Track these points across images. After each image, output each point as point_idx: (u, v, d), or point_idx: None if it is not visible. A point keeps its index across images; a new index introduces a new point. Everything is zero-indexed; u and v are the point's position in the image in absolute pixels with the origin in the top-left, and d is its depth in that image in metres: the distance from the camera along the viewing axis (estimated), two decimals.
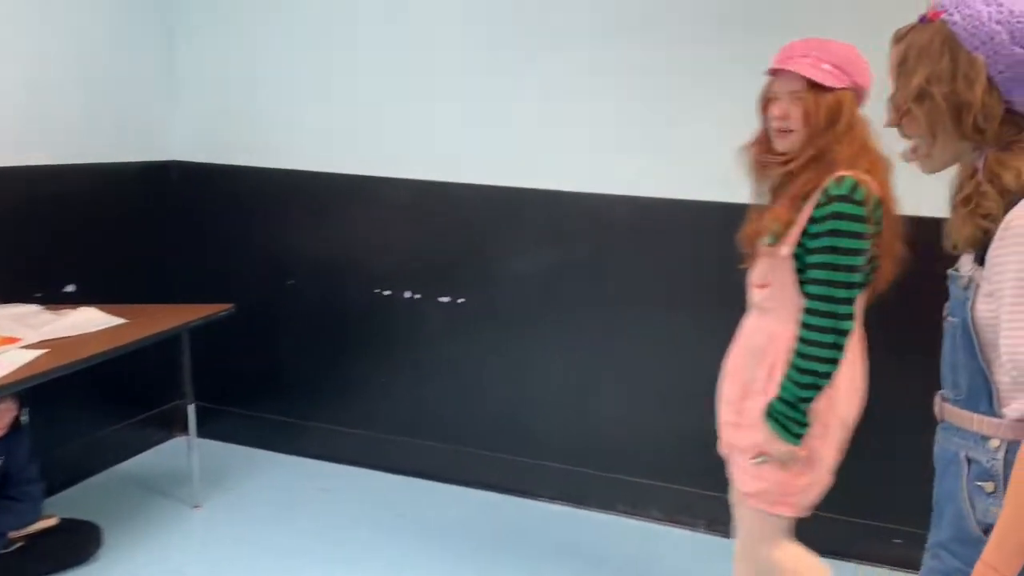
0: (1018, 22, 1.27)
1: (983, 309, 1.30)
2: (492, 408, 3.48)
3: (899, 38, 1.38)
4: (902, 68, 1.36)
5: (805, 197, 1.91)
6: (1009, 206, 1.25)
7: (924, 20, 1.34)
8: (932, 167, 1.39)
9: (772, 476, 1.99)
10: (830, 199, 1.86)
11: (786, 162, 1.96)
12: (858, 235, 1.86)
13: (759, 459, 1.99)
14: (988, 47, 1.28)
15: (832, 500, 2.11)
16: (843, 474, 2.07)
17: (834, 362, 1.89)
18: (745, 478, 2.05)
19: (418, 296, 3.52)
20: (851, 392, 2.03)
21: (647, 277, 3.15)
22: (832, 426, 1.99)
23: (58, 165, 3.26)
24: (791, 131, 1.95)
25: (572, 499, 3.41)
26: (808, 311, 1.90)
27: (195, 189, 3.80)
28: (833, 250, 1.86)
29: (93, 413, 3.53)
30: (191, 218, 3.81)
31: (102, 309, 3.01)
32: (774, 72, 1.98)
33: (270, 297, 3.71)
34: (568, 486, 3.40)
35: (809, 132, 1.92)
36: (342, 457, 3.70)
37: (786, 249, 1.93)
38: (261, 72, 3.62)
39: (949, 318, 1.38)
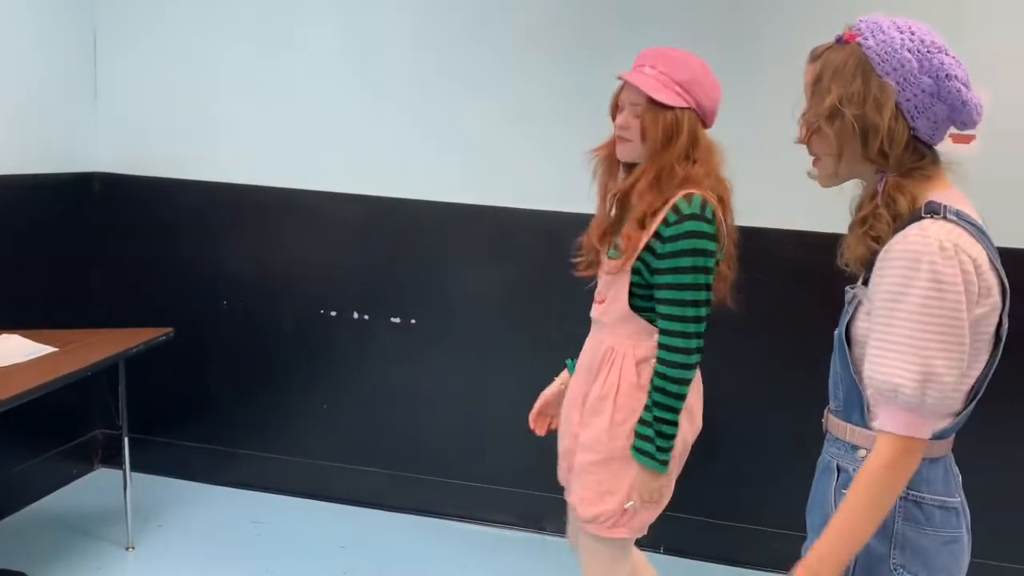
0: (928, 52, 1.32)
1: (861, 326, 1.36)
2: (444, 433, 3.36)
3: (815, 57, 1.42)
4: (816, 87, 1.39)
5: (653, 213, 1.89)
6: (898, 230, 1.30)
7: (840, 41, 1.39)
8: (831, 184, 1.45)
9: (611, 501, 1.94)
10: (682, 217, 1.84)
11: (631, 184, 1.94)
12: (710, 253, 1.86)
13: (630, 504, 1.93)
14: (899, 74, 1.32)
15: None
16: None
17: (689, 382, 1.88)
18: (583, 505, 1.98)
19: (366, 317, 3.37)
20: (696, 410, 2.02)
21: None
22: (683, 445, 1.97)
23: None
24: (630, 141, 1.94)
25: (531, 524, 3.32)
26: (665, 332, 1.88)
27: (120, 203, 3.52)
28: (687, 269, 1.84)
29: (3, 447, 3.21)
30: (115, 234, 3.53)
31: (26, 336, 2.76)
32: (624, 80, 1.96)
33: (202, 319, 3.48)
34: (526, 509, 3.31)
35: (648, 149, 1.91)
36: (280, 487, 3.50)
37: (626, 263, 1.91)
38: (191, 81, 3.39)
39: (835, 331, 1.43)
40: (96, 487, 3.47)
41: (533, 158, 3.14)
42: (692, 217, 1.83)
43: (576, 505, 2.00)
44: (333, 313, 3.38)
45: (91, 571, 2.87)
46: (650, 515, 1.98)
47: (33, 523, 3.17)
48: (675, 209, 1.85)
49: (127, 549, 3.03)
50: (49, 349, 2.69)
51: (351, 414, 3.42)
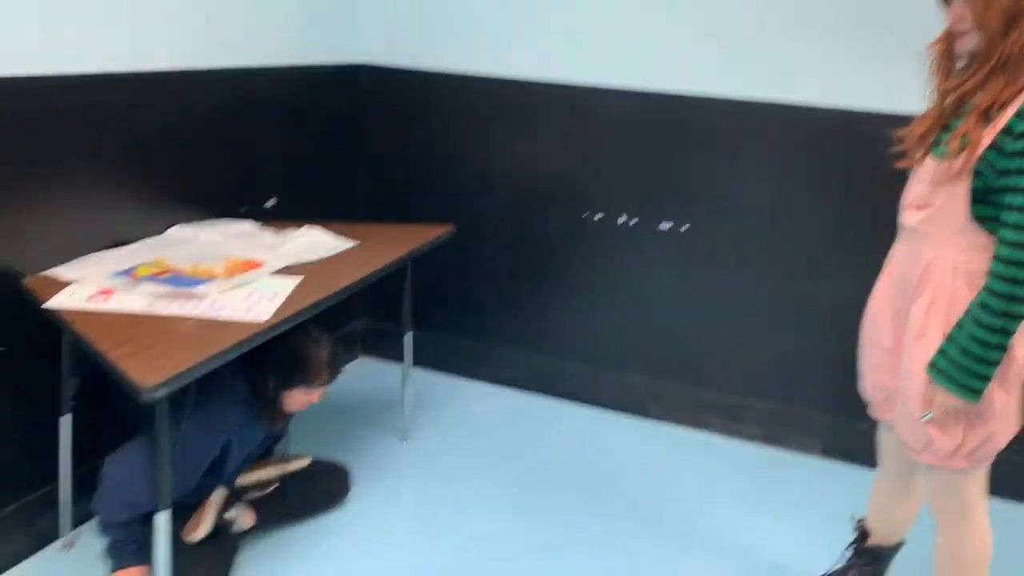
0: None
1: None
2: (709, 345, 3.22)
3: None
4: None
5: (1001, 106, 1.63)
6: None
7: None
8: None
9: (942, 430, 1.76)
10: None
11: (967, 79, 1.72)
12: None
13: (926, 415, 1.76)
14: None
15: None
16: None
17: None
18: (913, 434, 1.82)
19: (635, 221, 3.23)
20: None
21: None
22: (1011, 370, 1.73)
23: (248, 68, 2.93)
24: (965, 33, 1.71)
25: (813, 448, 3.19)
26: (1004, 243, 1.63)
27: (386, 96, 3.49)
28: None
29: None
30: (381, 128, 3.52)
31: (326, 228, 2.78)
32: None
33: (464, 217, 3.43)
34: (808, 432, 3.17)
35: (986, 37, 1.66)
36: (541, 388, 3.49)
37: (962, 164, 1.67)
38: None
39: None
40: (361, 376, 3.55)
41: (838, 53, 2.85)
42: None
43: (902, 431, 1.87)
44: (600, 215, 3.26)
45: (372, 458, 2.94)
46: (986, 447, 1.79)
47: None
48: None
49: (402, 440, 3.10)
50: (350, 243, 2.70)
51: (616, 318, 3.34)
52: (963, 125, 1.70)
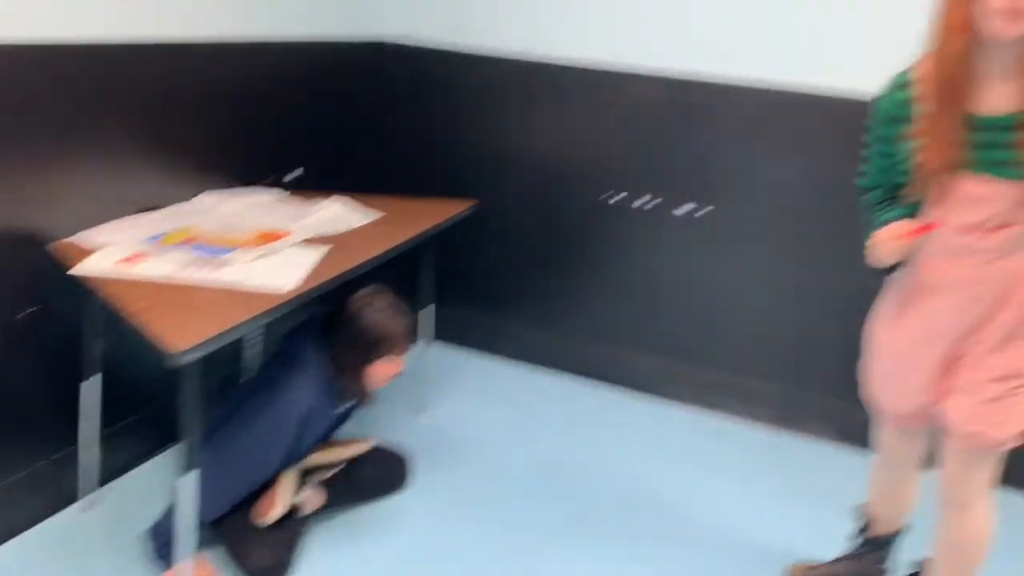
0: None
1: None
2: (719, 327, 3.22)
3: None
4: None
5: None
6: None
7: None
8: None
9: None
10: None
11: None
12: None
13: None
14: None
15: None
16: None
17: None
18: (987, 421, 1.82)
19: (657, 202, 3.22)
20: None
21: None
22: None
23: (275, 41, 2.93)
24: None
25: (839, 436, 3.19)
26: None
27: (411, 72, 3.48)
28: None
29: None
30: (404, 104, 3.51)
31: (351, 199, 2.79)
32: None
33: (484, 195, 3.42)
34: (820, 415, 3.18)
35: None
36: (558, 365, 3.51)
37: None
38: None
39: None
40: None
41: (864, 40, 2.82)
42: None
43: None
44: (617, 198, 3.26)
45: (387, 431, 2.94)
46: None
47: None
48: None
49: (419, 413, 3.12)
50: (375, 214, 2.70)
51: (633, 299, 3.34)
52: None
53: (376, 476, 2.60)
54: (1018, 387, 1.79)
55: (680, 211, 3.17)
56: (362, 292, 2.36)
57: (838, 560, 2.32)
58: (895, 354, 1.98)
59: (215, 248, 2.25)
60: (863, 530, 2.27)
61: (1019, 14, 1.57)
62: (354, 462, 2.51)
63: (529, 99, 3.32)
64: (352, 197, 2.81)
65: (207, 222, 2.44)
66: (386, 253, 2.37)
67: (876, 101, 1.88)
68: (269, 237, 2.38)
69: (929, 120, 1.73)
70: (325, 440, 2.47)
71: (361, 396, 2.38)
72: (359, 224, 2.61)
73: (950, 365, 1.88)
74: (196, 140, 2.67)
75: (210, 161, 2.73)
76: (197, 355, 1.75)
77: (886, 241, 1.78)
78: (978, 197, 1.73)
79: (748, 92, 2.98)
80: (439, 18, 3.39)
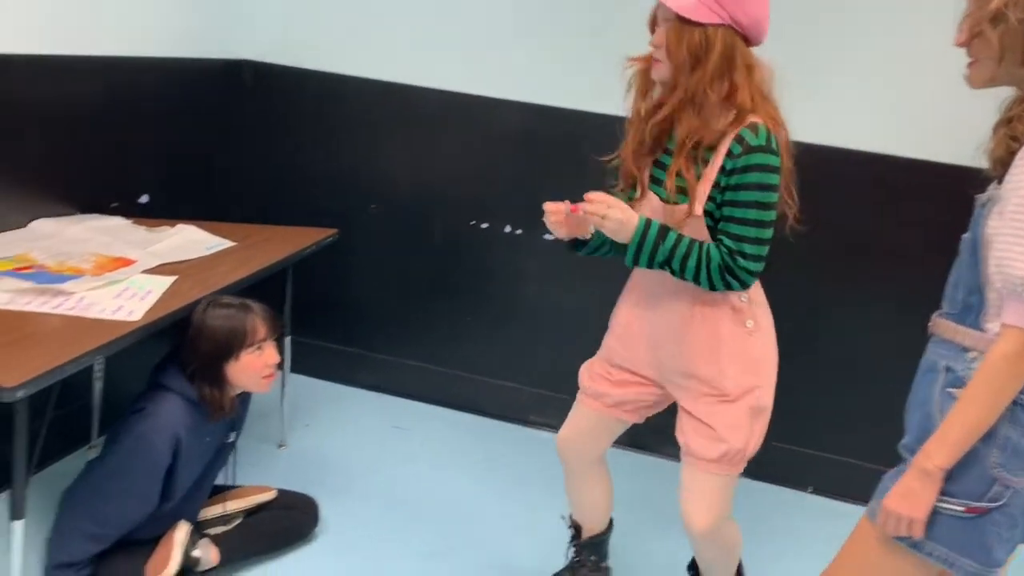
0: None
1: (992, 225, 1.37)
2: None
3: None
4: None
5: (710, 147, 1.77)
6: None
7: None
8: (984, 86, 1.43)
9: None
10: (750, 149, 1.72)
11: (657, 108, 1.82)
12: (775, 188, 1.76)
13: None
14: None
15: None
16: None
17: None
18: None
19: (519, 231, 3.27)
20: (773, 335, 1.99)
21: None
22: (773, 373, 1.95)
23: (127, 57, 2.81)
24: (659, 61, 1.78)
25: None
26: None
27: (269, 94, 3.41)
28: (757, 205, 1.74)
29: None
30: (263, 127, 3.43)
31: (201, 227, 2.69)
32: None
33: (348, 221, 3.38)
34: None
35: (674, 71, 1.76)
36: (420, 394, 3.48)
37: (699, 207, 1.79)
38: None
39: (964, 236, 1.46)
40: None
41: None
42: (760, 149, 1.72)
43: None
44: (484, 225, 3.29)
45: (246, 466, 2.82)
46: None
47: None
48: (741, 140, 1.73)
49: (279, 447, 3.03)
50: (227, 243, 2.62)
51: (499, 329, 3.36)
52: (683, 167, 1.79)
53: (281, 526, 2.46)
54: None
55: (546, 238, 3.22)
56: (200, 302, 2.18)
57: (561, 571, 2.35)
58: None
59: (54, 276, 2.12)
60: (576, 537, 2.31)
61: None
62: (255, 512, 2.41)
63: (395, 124, 3.31)
64: (204, 224, 2.72)
65: (45, 249, 2.30)
66: (239, 282, 2.30)
67: None
68: (113, 265, 2.27)
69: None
70: (209, 478, 2.35)
71: (226, 407, 2.21)
72: (210, 252, 2.52)
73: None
74: (33, 161, 2.52)
75: (49, 184, 2.58)
76: (30, 391, 1.64)
77: (547, 213, 1.94)
78: (651, 211, 1.89)
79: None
80: (303, 40, 3.34)
